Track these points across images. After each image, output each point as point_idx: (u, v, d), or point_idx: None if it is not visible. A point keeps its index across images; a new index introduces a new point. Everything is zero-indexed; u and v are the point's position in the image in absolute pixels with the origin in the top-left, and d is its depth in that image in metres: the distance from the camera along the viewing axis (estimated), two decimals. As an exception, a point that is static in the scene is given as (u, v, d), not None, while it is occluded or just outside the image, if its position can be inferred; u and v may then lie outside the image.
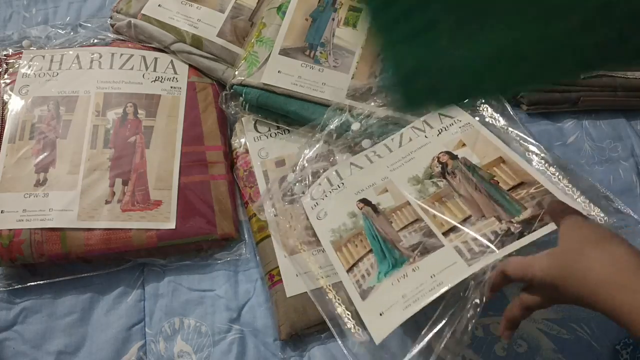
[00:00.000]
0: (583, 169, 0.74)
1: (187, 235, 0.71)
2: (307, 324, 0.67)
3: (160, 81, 0.81)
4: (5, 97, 0.77)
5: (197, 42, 0.82)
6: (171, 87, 0.81)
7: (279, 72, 0.77)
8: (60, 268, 0.72)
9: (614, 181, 0.76)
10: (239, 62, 0.81)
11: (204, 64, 0.83)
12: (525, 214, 0.59)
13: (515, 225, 0.58)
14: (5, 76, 0.79)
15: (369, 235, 0.65)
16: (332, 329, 0.63)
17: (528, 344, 0.63)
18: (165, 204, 0.73)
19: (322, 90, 0.76)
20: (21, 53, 0.82)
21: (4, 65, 0.80)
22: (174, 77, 0.82)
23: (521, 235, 0.57)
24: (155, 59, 0.83)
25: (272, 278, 0.70)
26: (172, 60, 0.83)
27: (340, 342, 0.63)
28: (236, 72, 0.79)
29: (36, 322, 0.70)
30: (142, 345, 0.69)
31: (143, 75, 0.81)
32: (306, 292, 0.66)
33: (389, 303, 0.57)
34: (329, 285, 0.63)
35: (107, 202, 0.71)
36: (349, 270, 0.63)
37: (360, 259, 0.63)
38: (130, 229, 0.71)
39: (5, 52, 0.82)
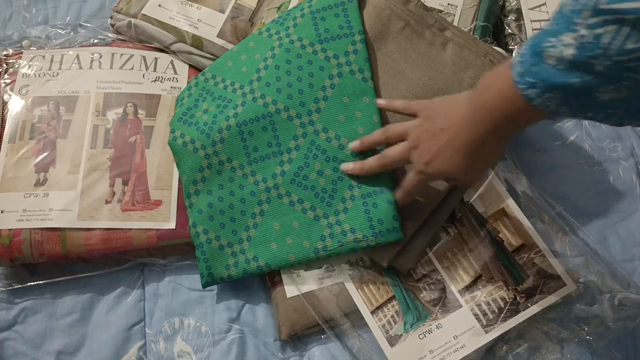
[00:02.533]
0: (583, 168, 0.74)
1: (187, 235, 0.71)
2: (307, 324, 0.67)
3: (161, 81, 0.81)
4: (5, 97, 0.77)
5: (197, 42, 0.82)
6: (171, 87, 0.81)
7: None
8: (60, 268, 0.72)
9: (614, 181, 0.76)
10: (239, 62, 0.81)
11: (204, 64, 0.82)
12: (528, 282, 0.65)
13: (520, 294, 0.64)
14: (5, 76, 0.79)
15: (390, 280, 0.67)
16: (327, 331, 0.65)
17: (528, 344, 0.63)
18: (165, 203, 0.73)
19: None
20: (21, 53, 0.82)
21: (4, 65, 0.80)
22: (174, 77, 0.82)
23: (525, 307, 0.64)
24: (156, 59, 0.83)
25: (273, 278, 0.70)
26: (172, 60, 0.83)
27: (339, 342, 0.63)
28: (236, 72, 0.79)
29: (36, 322, 0.70)
30: (142, 345, 0.69)
31: (143, 75, 0.81)
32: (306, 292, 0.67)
33: (419, 356, 0.63)
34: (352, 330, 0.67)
35: (107, 202, 0.71)
36: (373, 312, 0.65)
37: (384, 304, 0.66)
38: (130, 229, 0.71)
39: (5, 52, 0.82)
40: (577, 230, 0.71)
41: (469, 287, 0.65)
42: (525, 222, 0.67)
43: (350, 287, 0.66)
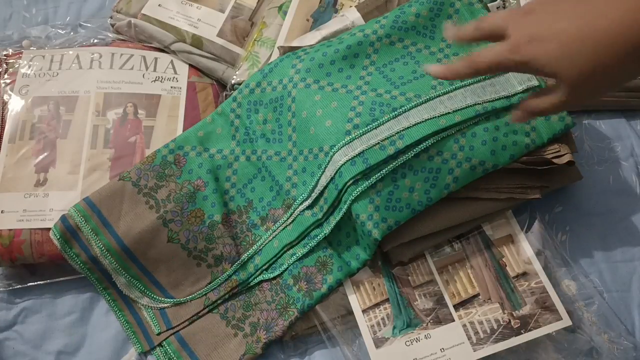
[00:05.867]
0: (583, 169, 0.74)
1: (187, 235, 0.71)
2: (308, 324, 0.67)
3: (161, 81, 0.81)
4: (5, 97, 0.77)
5: (197, 41, 0.82)
6: (171, 87, 0.81)
7: (279, 72, 0.77)
8: (60, 268, 0.72)
9: (614, 181, 0.76)
10: (239, 63, 0.81)
11: (204, 64, 0.83)
12: (525, 310, 0.64)
13: (515, 320, 0.63)
14: (5, 76, 0.79)
15: (387, 280, 0.66)
16: (322, 334, 0.66)
17: (527, 343, 0.63)
18: (165, 204, 0.72)
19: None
20: (21, 53, 0.82)
21: (4, 65, 0.80)
22: (174, 77, 0.82)
23: (518, 332, 0.63)
24: (155, 59, 0.83)
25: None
26: (172, 60, 0.83)
27: (339, 347, 0.63)
28: (237, 72, 0.79)
29: (36, 322, 0.70)
30: (142, 345, 0.69)
31: (143, 75, 0.81)
32: (306, 292, 0.67)
33: None
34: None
35: (107, 202, 0.71)
36: (365, 311, 0.65)
37: (377, 305, 0.65)
38: (130, 229, 0.71)
39: (5, 52, 0.82)
40: (581, 268, 0.70)
41: (465, 304, 0.65)
42: (530, 252, 0.67)
43: (346, 283, 0.66)
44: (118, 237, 0.67)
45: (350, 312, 0.66)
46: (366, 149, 0.62)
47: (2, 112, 0.76)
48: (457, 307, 0.65)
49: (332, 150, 0.64)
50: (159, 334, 0.68)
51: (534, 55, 0.41)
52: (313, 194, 0.66)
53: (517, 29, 0.43)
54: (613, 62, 0.39)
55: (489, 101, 0.65)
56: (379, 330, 0.64)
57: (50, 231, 0.68)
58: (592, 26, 0.39)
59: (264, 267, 0.69)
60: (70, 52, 0.82)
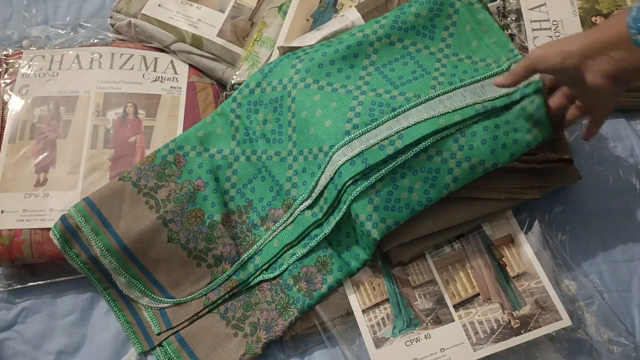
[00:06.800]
0: (582, 169, 0.74)
1: (187, 235, 0.71)
2: (308, 324, 0.67)
3: (161, 81, 0.81)
4: (5, 97, 0.77)
5: (197, 41, 0.82)
6: (171, 87, 0.81)
7: (279, 72, 0.77)
8: (60, 268, 0.72)
9: (614, 181, 0.76)
10: (239, 63, 0.81)
11: (204, 64, 0.83)
12: (525, 310, 0.64)
13: (515, 320, 0.63)
14: (5, 76, 0.79)
15: (387, 280, 0.66)
16: (322, 334, 0.66)
17: (527, 343, 0.63)
18: (165, 204, 0.72)
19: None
20: (21, 53, 0.82)
21: (4, 65, 0.80)
22: (174, 77, 0.82)
23: (518, 332, 0.63)
24: (155, 59, 0.83)
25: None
26: (172, 60, 0.83)
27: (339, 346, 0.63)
28: (237, 72, 0.79)
29: (36, 322, 0.70)
30: (142, 345, 0.69)
31: (143, 75, 0.81)
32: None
33: None
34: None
35: (107, 202, 0.71)
36: (365, 311, 0.65)
37: (377, 305, 0.65)
38: (130, 229, 0.71)
39: (5, 52, 0.82)
40: (581, 268, 0.70)
41: (465, 304, 0.65)
42: (530, 252, 0.67)
43: (346, 283, 0.66)
44: (118, 237, 0.67)
45: (350, 312, 0.66)
46: (365, 149, 0.62)
47: (2, 112, 0.76)
48: (457, 307, 0.65)
49: (332, 151, 0.64)
50: (159, 334, 0.68)
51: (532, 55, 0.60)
52: (313, 194, 0.66)
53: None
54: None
55: (489, 100, 0.65)
56: (379, 330, 0.64)
57: (50, 231, 0.68)
58: (566, 46, 0.57)
59: (264, 267, 0.69)
60: (70, 52, 0.82)
